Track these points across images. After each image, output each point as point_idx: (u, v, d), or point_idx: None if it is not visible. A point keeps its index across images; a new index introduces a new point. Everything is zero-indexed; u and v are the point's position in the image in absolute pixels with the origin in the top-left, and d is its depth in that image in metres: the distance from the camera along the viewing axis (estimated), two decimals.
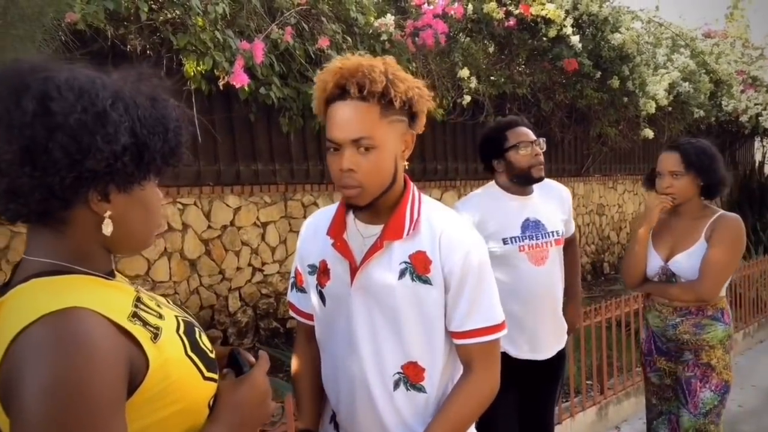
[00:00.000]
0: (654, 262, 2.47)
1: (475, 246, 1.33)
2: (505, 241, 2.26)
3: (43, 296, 0.82)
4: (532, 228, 2.31)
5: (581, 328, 3.59)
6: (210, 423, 0.94)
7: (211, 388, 0.95)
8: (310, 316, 1.47)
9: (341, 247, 1.34)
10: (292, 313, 1.52)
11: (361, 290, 1.32)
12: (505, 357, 2.20)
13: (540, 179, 2.35)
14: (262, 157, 5.01)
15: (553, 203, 2.44)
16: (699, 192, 2.42)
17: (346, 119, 1.23)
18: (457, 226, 1.34)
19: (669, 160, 2.40)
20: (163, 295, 4.00)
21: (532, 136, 2.34)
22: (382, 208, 1.31)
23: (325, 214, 1.44)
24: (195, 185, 4.56)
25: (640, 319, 4.17)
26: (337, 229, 1.35)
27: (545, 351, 2.35)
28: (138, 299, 0.93)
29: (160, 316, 0.93)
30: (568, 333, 2.53)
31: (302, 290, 1.46)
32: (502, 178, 2.37)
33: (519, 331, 2.25)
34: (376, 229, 1.32)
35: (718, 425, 2.38)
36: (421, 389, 1.33)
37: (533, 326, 2.30)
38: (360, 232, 1.34)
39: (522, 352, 2.29)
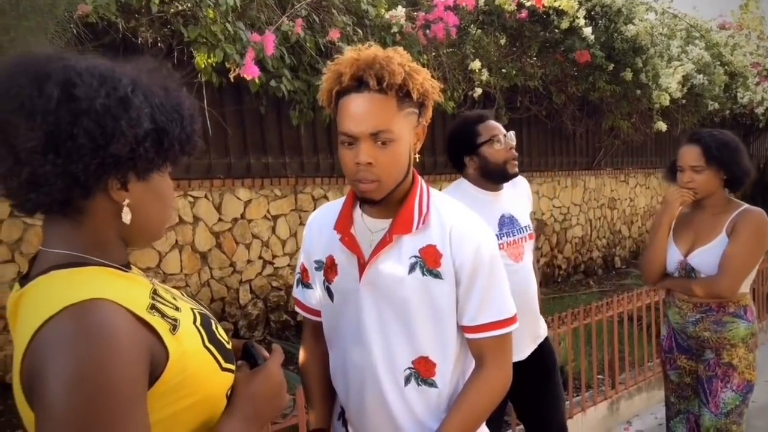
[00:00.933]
0: (673, 257, 2.41)
1: (485, 239, 1.32)
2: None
3: (64, 288, 0.81)
4: (507, 224, 2.21)
5: (592, 324, 3.57)
6: (225, 415, 0.94)
7: (229, 378, 0.95)
8: (316, 312, 1.45)
9: (349, 241, 1.32)
10: (298, 309, 1.51)
11: (370, 285, 1.30)
12: None
13: (515, 176, 2.22)
14: (272, 150, 5.01)
15: (521, 197, 2.34)
16: (722, 185, 2.34)
17: (364, 112, 1.20)
18: (467, 220, 1.33)
19: (690, 154, 2.32)
20: (174, 288, 4.00)
21: (503, 129, 2.22)
22: (391, 202, 1.29)
23: (330, 209, 1.42)
24: (206, 178, 4.57)
25: (653, 313, 4.15)
26: (344, 224, 1.33)
27: (519, 352, 2.16)
28: (155, 291, 0.93)
29: (177, 309, 0.93)
30: None
31: (308, 286, 1.45)
32: (474, 175, 2.23)
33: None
34: (385, 224, 1.31)
35: (741, 425, 2.32)
36: (432, 384, 1.31)
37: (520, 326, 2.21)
38: (368, 227, 1.33)
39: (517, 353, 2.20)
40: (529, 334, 2.26)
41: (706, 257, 2.31)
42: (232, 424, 0.93)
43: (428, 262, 1.28)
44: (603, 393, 3.71)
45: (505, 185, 2.28)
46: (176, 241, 4.45)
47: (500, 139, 2.18)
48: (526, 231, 2.26)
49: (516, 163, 2.22)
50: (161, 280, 4.37)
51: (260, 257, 4.92)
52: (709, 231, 2.34)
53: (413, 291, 1.28)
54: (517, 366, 2.19)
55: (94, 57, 0.90)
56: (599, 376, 3.73)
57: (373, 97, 1.19)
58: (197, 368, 0.88)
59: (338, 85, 1.22)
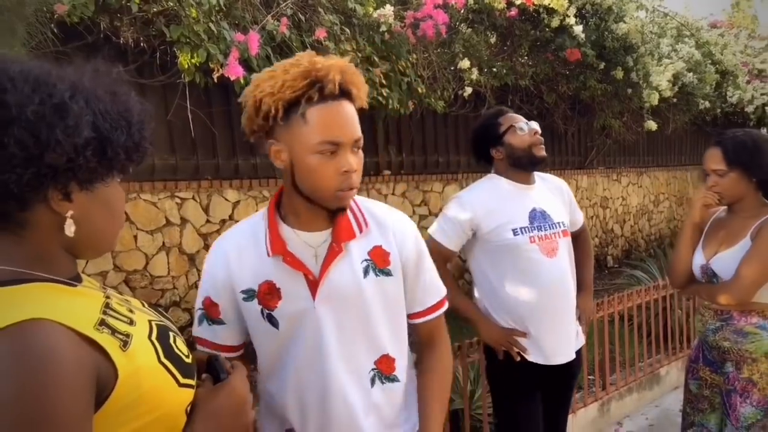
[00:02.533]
0: (697, 262, 2.31)
1: (416, 229, 1.41)
2: (515, 232, 2.15)
3: (1, 308, 0.77)
4: (539, 218, 2.20)
5: (593, 322, 3.54)
6: (189, 429, 0.90)
7: (188, 394, 0.91)
8: (232, 348, 1.35)
9: (293, 261, 1.26)
10: (203, 349, 1.32)
11: (327, 300, 1.27)
12: (529, 365, 2.15)
13: (543, 159, 2.24)
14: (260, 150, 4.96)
15: (554, 194, 2.35)
16: (756, 188, 2.21)
17: (349, 119, 1.20)
18: (398, 215, 1.40)
19: (712, 158, 2.25)
20: (161, 290, 3.95)
21: (524, 119, 2.27)
22: (325, 212, 1.28)
23: (241, 233, 1.33)
24: (193, 179, 4.53)
25: (644, 313, 4.13)
26: (279, 245, 1.26)
27: (567, 353, 2.23)
28: (107, 305, 0.88)
29: (131, 322, 0.89)
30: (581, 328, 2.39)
31: (218, 322, 1.31)
32: (503, 166, 2.28)
33: (538, 329, 2.16)
34: (323, 235, 1.29)
35: None
36: (395, 379, 1.35)
37: (551, 323, 2.19)
38: (306, 243, 1.28)
39: (544, 356, 2.18)
40: (574, 334, 2.28)
41: (727, 262, 2.21)
42: None
43: (378, 262, 1.31)
44: (594, 394, 3.69)
45: (538, 181, 2.31)
46: (163, 243, 4.40)
47: (522, 126, 2.22)
48: (560, 227, 2.24)
49: (542, 147, 2.25)
50: (148, 282, 4.33)
51: None
52: (734, 235, 2.23)
53: (371, 294, 1.30)
54: (558, 368, 2.21)
55: (33, 60, 0.85)
56: (590, 377, 3.71)
57: (349, 105, 1.21)
58: (152, 385, 0.85)
59: (317, 92, 1.16)
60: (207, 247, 4.63)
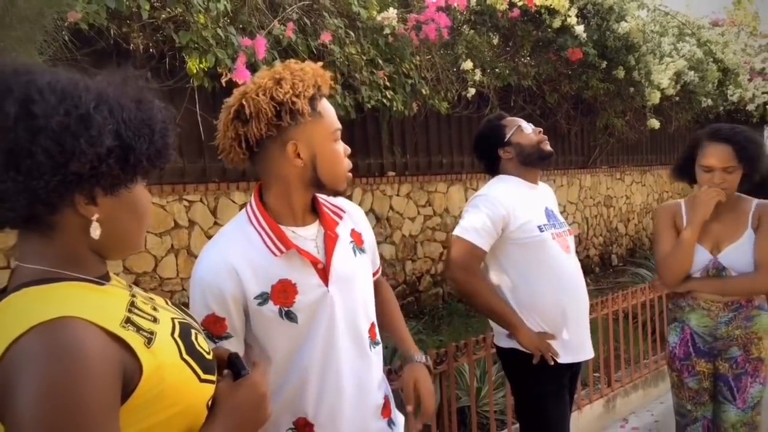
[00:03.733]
0: (700, 257, 2.30)
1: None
2: (540, 229, 2.16)
3: (34, 306, 0.81)
4: (552, 217, 2.25)
5: (598, 320, 3.56)
6: (207, 425, 0.94)
7: (209, 389, 0.95)
8: None
9: (307, 255, 1.34)
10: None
11: (335, 283, 1.38)
12: (561, 366, 2.15)
13: (551, 153, 2.28)
14: None
15: (552, 197, 2.42)
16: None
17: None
18: (350, 203, 1.57)
19: (721, 155, 2.20)
20: (170, 292, 3.99)
21: (524, 121, 2.33)
22: (309, 207, 1.42)
23: (236, 242, 1.34)
24: (201, 182, 4.58)
25: (648, 311, 4.16)
26: (287, 242, 1.32)
27: (589, 348, 2.27)
28: (132, 303, 0.93)
29: (155, 320, 0.93)
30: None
31: (225, 337, 1.32)
32: (513, 166, 2.28)
33: (567, 326, 2.17)
34: (311, 229, 1.40)
35: (761, 414, 2.29)
36: (378, 343, 1.50)
37: (576, 319, 2.21)
38: (303, 236, 1.37)
39: (573, 354, 2.20)
40: (587, 333, 2.30)
41: (737, 254, 2.24)
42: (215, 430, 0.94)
43: (357, 243, 1.48)
44: (599, 391, 3.72)
45: (539, 184, 2.36)
46: (172, 245, 4.45)
47: (526, 126, 2.28)
48: (566, 226, 2.31)
49: (548, 142, 2.29)
50: (157, 284, 4.38)
51: None
52: (734, 228, 2.27)
53: (360, 270, 1.46)
54: (576, 365, 2.24)
55: (63, 70, 0.88)
56: (595, 374, 3.74)
57: None
58: (174, 380, 0.89)
59: (321, 90, 1.33)
60: None
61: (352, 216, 1.51)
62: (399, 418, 1.55)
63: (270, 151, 1.31)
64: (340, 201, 1.51)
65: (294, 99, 1.25)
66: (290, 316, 1.33)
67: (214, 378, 0.97)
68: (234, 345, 1.31)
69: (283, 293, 1.32)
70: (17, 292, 0.85)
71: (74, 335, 0.79)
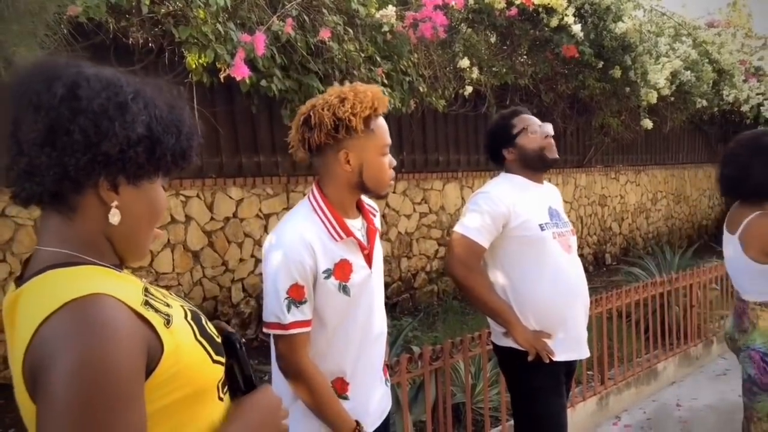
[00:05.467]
0: None
1: None
2: (541, 227, 2.18)
3: (62, 285, 0.85)
4: (555, 216, 2.27)
5: (593, 318, 3.58)
6: (228, 423, 0.99)
7: (220, 371, 1.00)
8: (311, 322, 1.59)
9: (359, 242, 1.64)
10: (297, 331, 1.54)
11: (376, 266, 1.70)
12: (558, 363, 2.17)
13: (555, 161, 2.30)
14: (264, 148, 5.02)
15: (558, 197, 2.43)
16: None
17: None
18: (373, 202, 1.82)
19: None
20: (166, 287, 4.02)
21: (538, 121, 2.31)
22: (355, 204, 1.72)
23: (307, 225, 1.59)
24: (197, 177, 4.58)
25: (641, 309, 4.20)
26: (348, 231, 1.62)
27: (585, 348, 2.30)
28: (146, 290, 0.96)
29: (168, 306, 0.97)
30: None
31: (303, 302, 1.56)
32: (515, 167, 2.30)
33: (565, 324, 2.19)
34: (360, 220, 1.70)
35: None
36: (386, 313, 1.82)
37: (575, 317, 2.23)
38: (354, 226, 1.66)
39: (571, 351, 2.23)
40: (584, 332, 2.31)
41: None
42: (237, 427, 0.98)
43: (380, 236, 1.81)
44: (593, 388, 3.76)
45: (545, 183, 2.37)
46: (168, 240, 4.46)
47: (535, 129, 2.27)
48: (569, 226, 2.32)
49: (554, 149, 2.29)
50: (153, 279, 4.38)
51: (252, 256, 4.93)
52: None
53: (382, 258, 1.78)
54: (572, 363, 2.27)
55: (108, 67, 0.95)
56: (589, 372, 3.77)
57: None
58: (190, 360, 0.93)
59: (376, 111, 1.58)
60: (211, 244, 4.69)
61: (378, 214, 1.84)
62: (388, 383, 1.88)
63: (327, 155, 1.59)
64: (369, 201, 1.78)
65: (351, 117, 1.52)
66: (346, 290, 1.60)
67: (223, 360, 1.01)
68: (309, 308, 1.57)
69: (342, 270, 1.59)
70: (41, 275, 0.88)
71: (105, 311, 0.82)
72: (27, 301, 0.86)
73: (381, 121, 1.61)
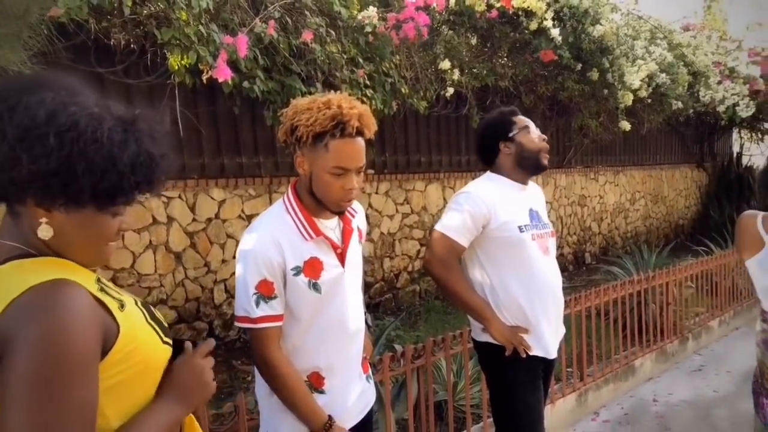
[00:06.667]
0: None
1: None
2: (520, 229, 2.22)
3: (27, 272, 0.94)
4: (535, 218, 2.30)
5: (572, 317, 3.65)
6: (158, 396, 1.07)
7: (168, 351, 1.11)
8: (282, 317, 1.64)
9: (328, 240, 1.69)
10: (265, 325, 1.59)
11: (350, 265, 1.73)
12: (535, 358, 2.23)
13: (545, 167, 2.33)
14: (246, 150, 5.03)
15: (540, 198, 2.46)
16: None
17: (358, 153, 1.60)
18: (359, 205, 1.86)
19: None
20: (147, 288, 4.01)
21: (534, 124, 2.37)
22: None
23: (280, 225, 1.65)
24: (179, 178, 4.57)
25: (620, 308, 4.28)
26: (318, 230, 1.67)
27: (556, 347, 2.34)
28: (99, 279, 1.05)
29: (120, 294, 1.07)
30: None
31: (272, 297, 1.62)
32: (508, 163, 2.31)
33: (539, 324, 2.24)
34: (335, 220, 1.74)
35: None
36: (365, 313, 1.85)
37: (548, 319, 2.27)
38: (327, 227, 1.71)
39: (545, 350, 2.27)
40: (558, 331, 2.36)
41: None
42: (165, 403, 1.07)
43: (359, 236, 1.84)
44: (572, 385, 3.83)
45: (530, 184, 2.39)
46: (150, 241, 4.44)
47: (535, 131, 2.32)
48: (549, 227, 2.36)
49: (548, 156, 2.34)
50: (135, 280, 4.37)
51: (234, 257, 4.91)
52: None
53: (359, 258, 1.82)
54: (550, 363, 2.31)
55: (69, 90, 0.96)
56: (568, 369, 3.84)
57: (361, 140, 1.61)
58: (144, 340, 1.03)
59: (339, 131, 1.55)
60: (193, 245, 4.68)
61: (359, 215, 1.86)
62: (370, 380, 1.92)
63: (295, 155, 1.65)
64: (354, 203, 1.80)
65: (300, 127, 1.55)
66: (316, 287, 1.64)
67: (170, 341, 1.12)
68: (280, 304, 1.62)
69: (312, 268, 1.64)
70: (5, 265, 0.96)
71: (67, 294, 0.92)
72: None
73: (343, 144, 1.56)
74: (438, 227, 2.24)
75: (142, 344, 1.01)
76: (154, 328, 1.07)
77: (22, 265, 0.96)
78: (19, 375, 0.85)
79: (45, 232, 0.97)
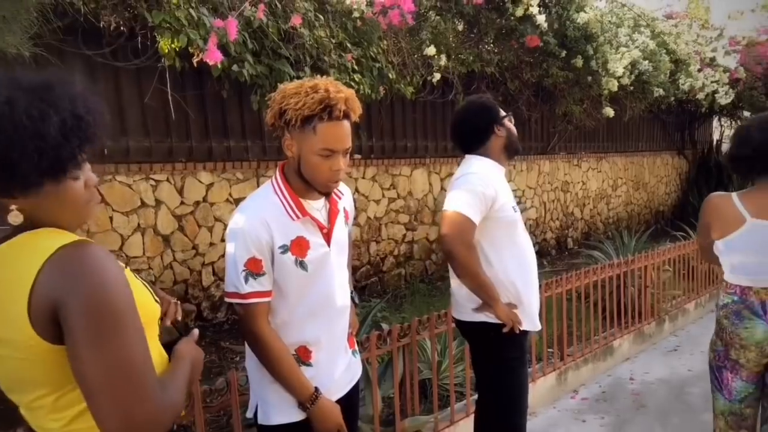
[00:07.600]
0: None
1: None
2: (514, 209, 2.34)
3: (45, 239, 1.00)
4: (514, 198, 2.45)
5: (553, 298, 3.78)
6: (175, 363, 1.24)
7: (158, 308, 1.24)
8: (270, 293, 1.71)
9: (315, 220, 1.75)
10: (254, 301, 1.66)
11: (334, 245, 1.80)
12: (522, 333, 2.35)
13: (519, 152, 2.55)
14: (234, 133, 5.05)
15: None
16: None
17: (345, 135, 1.66)
18: (347, 188, 1.94)
19: None
20: (136, 270, 4.03)
21: None
22: None
23: (264, 204, 1.71)
24: (167, 161, 4.59)
25: (599, 290, 4.41)
26: (304, 210, 1.73)
27: (538, 320, 2.48)
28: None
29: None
30: None
31: (261, 274, 1.68)
32: (498, 146, 2.41)
33: (530, 299, 2.37)
34: (320, 202, 1.79)
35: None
36: (352, 292, 1.95)
37: (535, 292, 2.43)
38: (314, 207, 1.77)
39: (533, 323, 2.40)
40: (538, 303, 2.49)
41: None
42: (185, 364, 1.25)
43: (346, 218, 1.91)
44: (552, 364, 3.94)
45: None
46: (138, 224, 4.47)
47: (511, 119, 2.50)
48: (521, 210, 2.50)
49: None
50: (124, 262, 4.38)
51: (222, 240, 4.96)
52: None
53: (346, 238, 1.88)
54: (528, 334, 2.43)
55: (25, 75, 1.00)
56: (549, 349, 3.95)
57: (347, 123, 1.67)
58: (143, 296, 1.16)
59: (327, 114, 1.61)
60: (181, 228, 4.72)
61: (346, 197, 1.93)
62: (356, 354, 2.00)
63: (283, 138, 1.69)
64: (342, 185, 1.87)
65: (288, 110, 1.61)
66: (303, 265, 1.71)
67: (160, 302, 1.27)
68: (268, 281, 1.68)
69: (298, 247, 1.70)
70: (18, 236, 1.02)
71: (97, 250, 1.00)
72: (9, 259, 1.00)
73: (331, 127, 1.62)
74: (454, 207, 2.24)
75: (141, 299, 1.11)
76: (148, 288, 1.21)
77: (37, 233, 1.02)
78: (83, 327, 0.95)
79: (15, 218, 1.01)
